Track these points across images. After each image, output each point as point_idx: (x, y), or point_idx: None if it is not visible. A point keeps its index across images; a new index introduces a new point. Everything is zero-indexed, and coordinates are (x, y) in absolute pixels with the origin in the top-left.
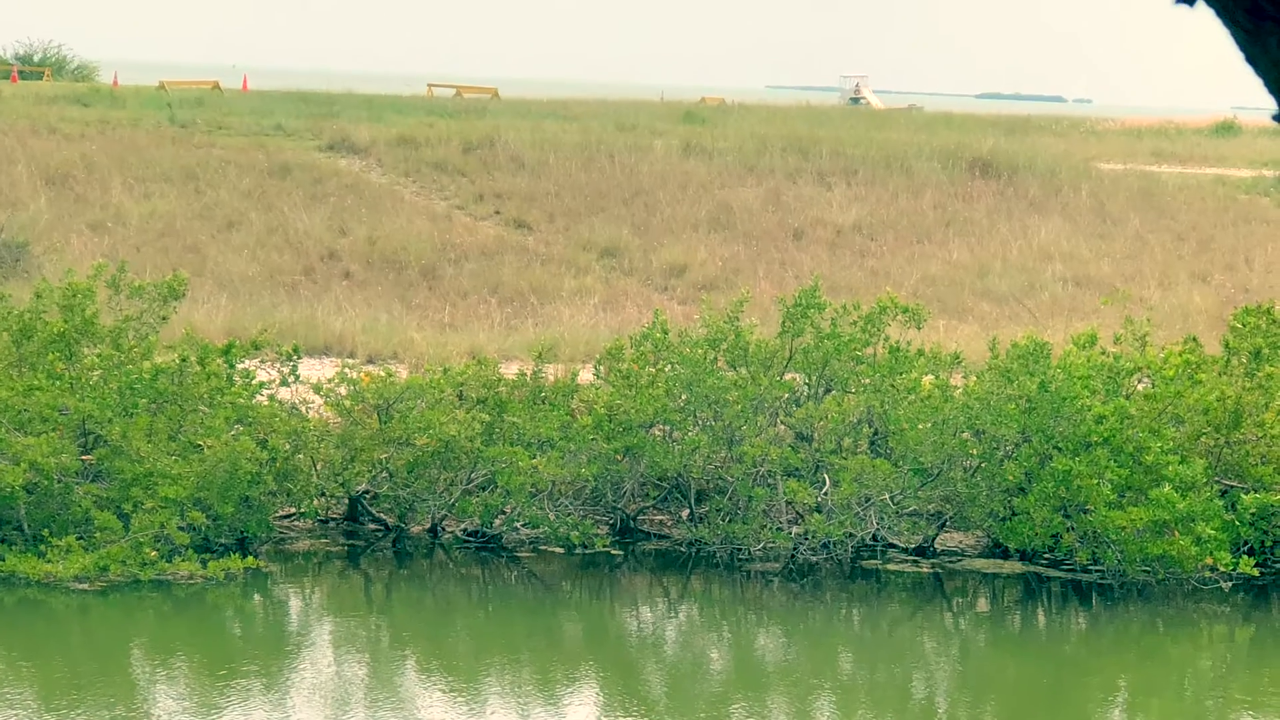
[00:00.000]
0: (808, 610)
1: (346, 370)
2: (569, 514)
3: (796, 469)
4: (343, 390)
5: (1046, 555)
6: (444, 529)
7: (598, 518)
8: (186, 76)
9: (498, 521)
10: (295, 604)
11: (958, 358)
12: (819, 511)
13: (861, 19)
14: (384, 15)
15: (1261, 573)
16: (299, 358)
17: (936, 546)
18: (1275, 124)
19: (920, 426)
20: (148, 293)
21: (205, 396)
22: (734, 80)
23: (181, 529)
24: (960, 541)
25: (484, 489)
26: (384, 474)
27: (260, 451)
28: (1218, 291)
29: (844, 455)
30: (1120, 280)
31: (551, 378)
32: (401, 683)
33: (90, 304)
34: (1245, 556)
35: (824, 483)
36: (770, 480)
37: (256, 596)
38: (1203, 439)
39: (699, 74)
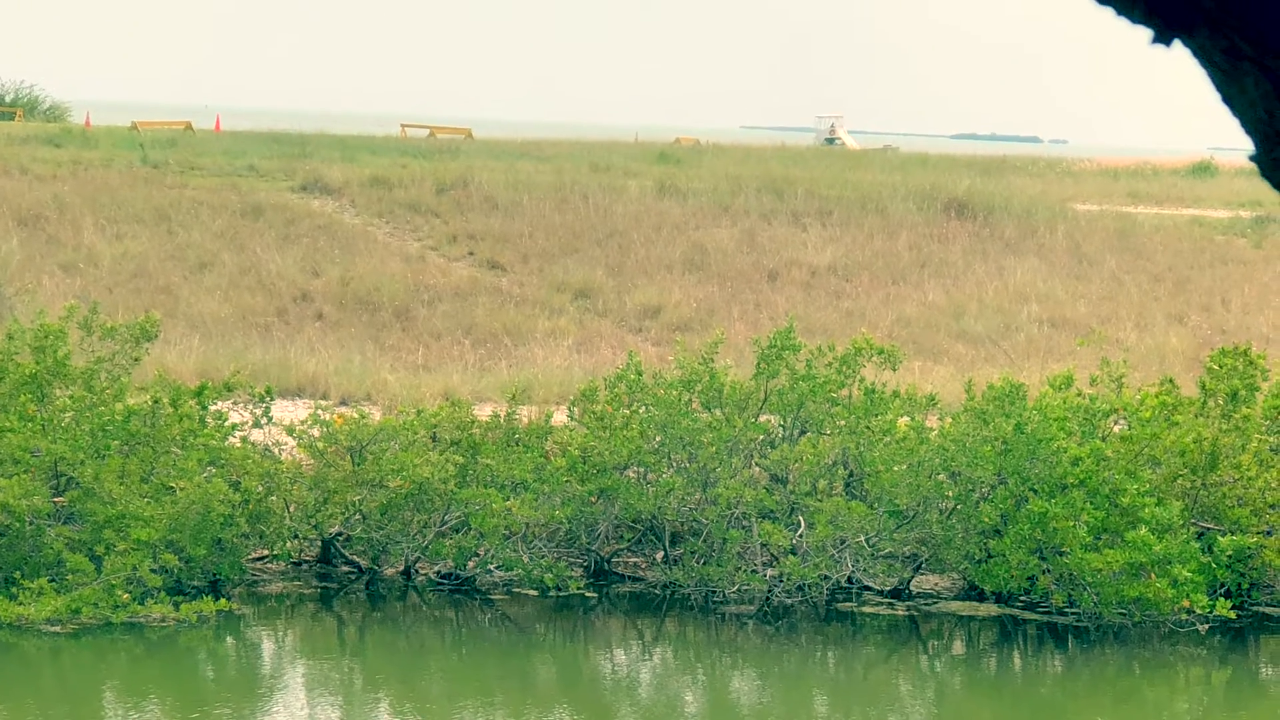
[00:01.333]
0: (782, 653)
1: (319, 412)
2: (543, 556)
3: (771, 511)
4: (316, 432)
5: (1022, 598)
6: (417, 571)
7: (572, 560)
8: (159, 117)
9: (471, 564)
10: (268, 646)
11: (933, 399)
12: (794, 554)
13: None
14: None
15: (1238, 615)
16: (272, 399)
17: (912, 589)
18: (1252, 164)
19: (895, 468)
20: (120, 334)
21: (178, 438)
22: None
23: (154, 571)
24: (936, 584)
25: (458, 531)
26: (357, 516)
27: (233, 493)
28: (1194, 333)
29: (819, 497)
30: (1096, 321)
31: (525, 419)
32: None
33: (62, 345)
34: (1222, 599)
35: (799, 525)
36: (745, 522)
37: (229, 639)
38: (1179, 481)
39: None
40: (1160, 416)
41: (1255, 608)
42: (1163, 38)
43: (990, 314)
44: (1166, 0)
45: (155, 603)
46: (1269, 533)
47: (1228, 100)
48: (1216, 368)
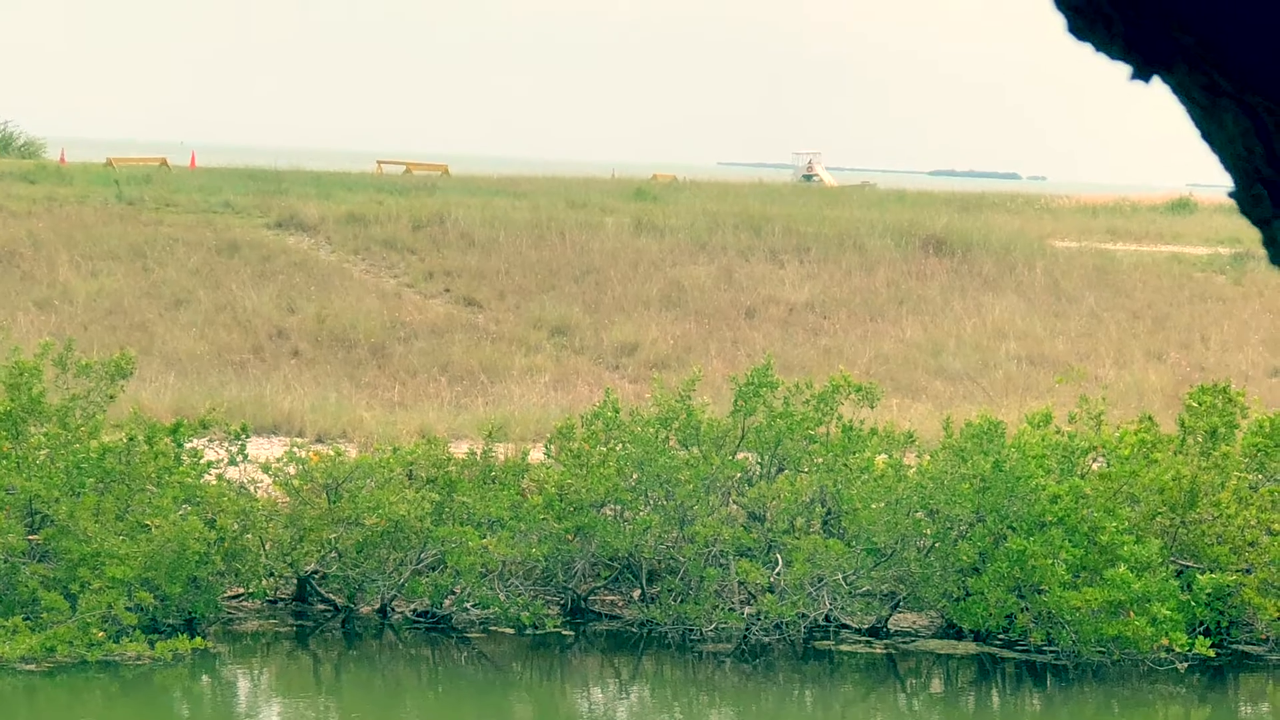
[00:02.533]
0: (760, 691)
1: (295, 449)
2: (519, 594)
3: (749, 549)
4: (291, 469)
5: (1001, 636)
6: (393, 609)
7: (548, 598)
8: (134, 153)
9: (448, 602)
10: (244, 685)
11: (911, 437)
12: (771, 592)
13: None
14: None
15: (1217, 654)
16: (247, 437)
17: (890, 627)
18: (1232, 200)
19: (873, 506)
20: (95, 371)
21: (153, 476)
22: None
23: (129, 609)
24: (914, 622)
25: (434, 569)
26: (333, 554)
27: (208, 531)
28: (1173, 370)
29: (797, 535)
30: (1075, 358)
31: (502, 457)
32: None
33: (37, 383)
34: (1201, 637)
35: (776, 563)
36: (722, 560)
37: (205, 677)
38: (1158, 519)
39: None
40: (1139, 454)
41: (1234, 646)
42: (1141, 74)
43: (968, 351)
44: (1145, 37)
45: (130, 641)
46: (1248, 570)
47: (1207, 137)
48: (1195, 405)
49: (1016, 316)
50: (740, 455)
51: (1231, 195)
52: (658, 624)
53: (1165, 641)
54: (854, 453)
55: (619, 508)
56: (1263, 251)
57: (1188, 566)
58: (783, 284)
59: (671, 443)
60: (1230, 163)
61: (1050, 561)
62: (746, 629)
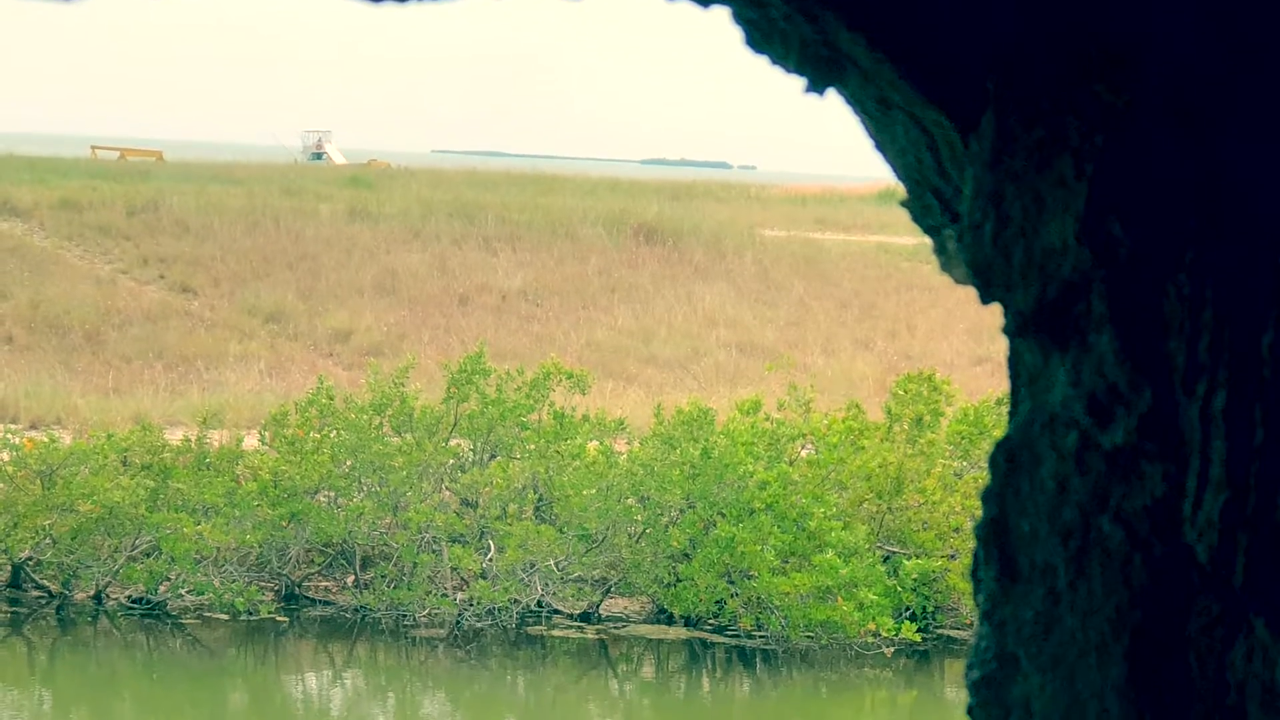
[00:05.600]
0: (473, 676)
1: (9, 436)
2: (234, 580)
3: (461, 535)
4: (5, 456)
5: (711, 621)
6: (109, 596)
7: (263, 584)
8: None
9: (163, 588)
10: None
11: (622, 424)
12: (484, 578)
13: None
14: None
15: (924, 638)
16: None
17: (602, 612)
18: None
19: (585, 492)
20: None
21: None
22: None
23: None
24: (625, 607)
25: (149, 555)
26: (47, 540)
27: None
28: (881, 358)
29: (509, 521)
30: (785, 347)
31: (217, 444)
32: None
33: None
34: (908, 622)
35: (489, 549)
36: (435, 546)
37: None
38: (865, 505)
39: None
40: (847, 441)
41: (940, 630)
42: (816, 87)
43: (679, 339)
44: (814, 58)
45: None
46: (953, 556)
47: (880, 147)
48: (902, 393)
49: (727, 305)
50: (453, 442)
51: (904, 204)
52: (371, 610)
53: (872, 626)
54: (566, 439)
55: (333, 494)
56: None
57: (894, 552)
58: (496, 272)
59: (385, 429)
60: (902, 172)
61: (759, 547)
62: (459, 615)
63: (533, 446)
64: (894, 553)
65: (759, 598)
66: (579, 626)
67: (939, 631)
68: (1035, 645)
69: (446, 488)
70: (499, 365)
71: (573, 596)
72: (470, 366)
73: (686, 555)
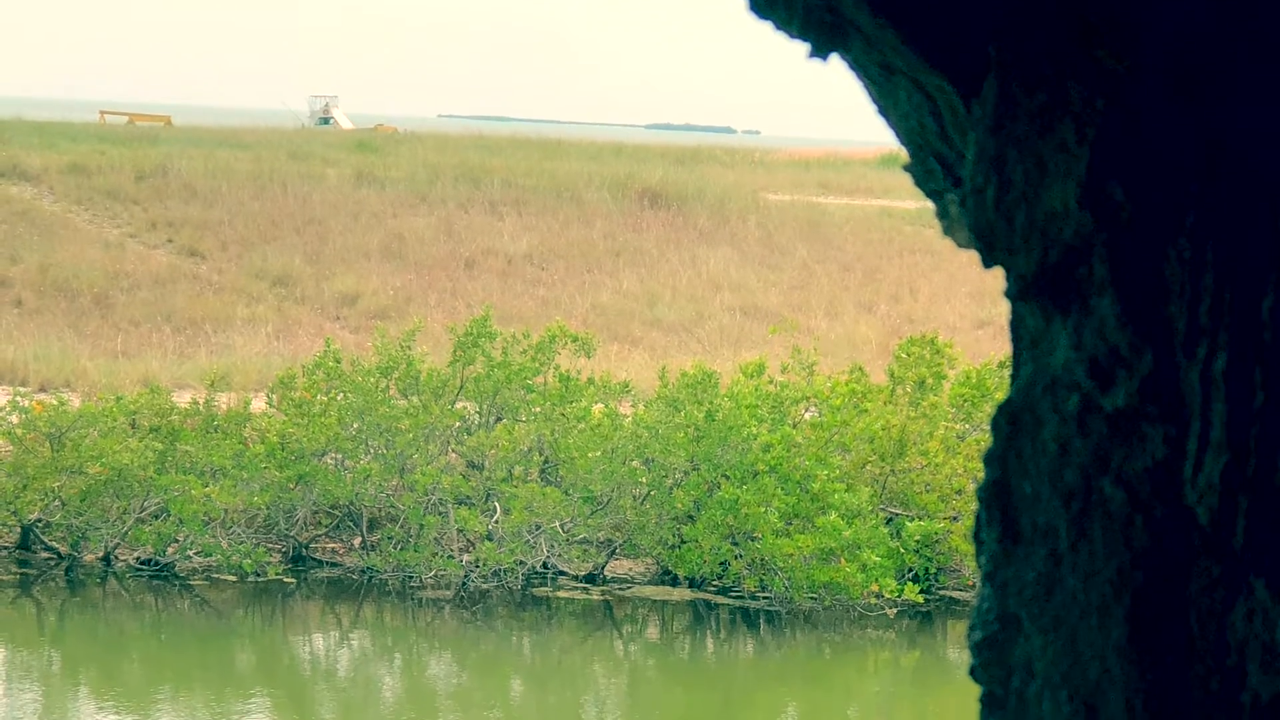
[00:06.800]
0: (479, 637)
1: (18, 399)
2: (242, 542)
3: (468, 497)
4: (15, 418)
5: (715, 582)
6: (117, 557)
7: (270, 546)
8: None
9: (171, 550)
10: None
11: (627, 386)
12: (490, 539)
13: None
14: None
15: (926, 599)
16: None
17: (606, 574)
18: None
19: (590, 455)
20: None
21: None
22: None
23: None
24: (630, 569)
25: (157, 517)
26: (56, 502)
27: None
28: (884, 321)
29: (514, 483)
30: (788, 310)
31: (224, 406)
32: (74, 712)
33: None
34: (910, 583)
35: (495, 511)
36: (442, 508)
37: None
38: (868, 467)
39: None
40: (850, 404)
41: (942, 592)
42: (819, 52)
43: (684, 302)
44: (818, 23)
45: None
46: (955, 518)
47: (883, 112)
48: (905, 356)
49: (731, 268)
50: (459, 405)
51: (906, 169)
52: (378, 571)
53: (875, 587)
54: (571, 402)
55: (340, 456)
56: None
57: (897, 514)
58: (501, 236)
59: (392, 392)
60: (905, 137)
61: (763, 509)
62: (465, 576)
63: (538, 409)
64: (897, 514)
65: (763, 559)
66: (584, 588)
67: (941, 593)
68: (1037, 606)
69: (453, 450)
70: (505, 328)
71: (578, 558)
72: (476, 330)
73: (691, 517)
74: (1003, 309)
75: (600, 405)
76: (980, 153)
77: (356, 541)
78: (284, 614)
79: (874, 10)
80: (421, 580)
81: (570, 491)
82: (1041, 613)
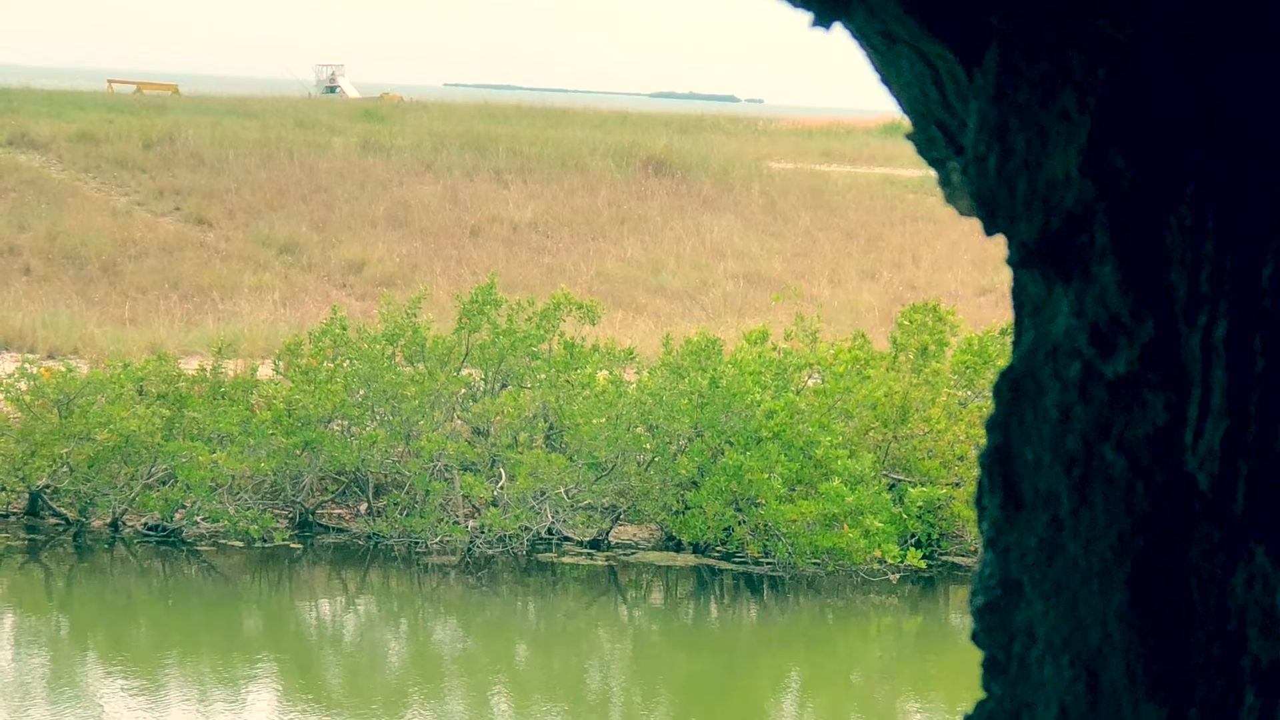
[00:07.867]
0: (485, 602)
1: (27, 365)
2: (249, 508)
3: (473, 463)
4: (23, 385)
5: (719, 548)
6: (125, 523)
7: (277, 511)
8: None
9: (178, 515)
10: None
11: (631, 353)
12: (495, 505)
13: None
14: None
15: (928, 565)
16: None
17: (611, 540)
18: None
19: (595, 421)
20: None
21: None
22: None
23: None
24: (634, 535)
25: (164, 483)
26: (64, 469)
27: None
28: (886, 289)
29: (520, 450)
30: (791, 277)
31: (231, 373)
32: (82, 677)
33: None
34: (913, 549)
35: (500, 477)
36: (447, 475)
37: None
38: (871, 434)
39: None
40: (853, 370)
41: (945, 557)
42: (821, 21)
43: (688, 270)
44: None
45: None
46: (958, 484)
47: (886, 81)
48: (907, 323)
49: (734, 236)
50: (465, 371)
51: (909, 137)
52: (384, 537)
53: (878, 553)
54: (576, 369)
55: (346, 423)
56: None
57: (900, 480)
58: (507, 204)
59: (398, 359)
60: (908, 106)
61: (766, 475)
62: (471, 542)
63: (543, 376)
64: (899, 480)
65: (766, 525)
66: (589, 553)
67: (944, 558)
68: (1039, 572)
69: (458, 417)
70: (510, 296)
71: (582, 524)
72: (481, 297)
73: (695, 483)
74: (1004, 276)
75: (604, 372)
76: (982, 121)
77: (363, 507)
78: (290, 579)
79: None
80: (427, 546)
81: (575, 458)
82: (1043, 578)
